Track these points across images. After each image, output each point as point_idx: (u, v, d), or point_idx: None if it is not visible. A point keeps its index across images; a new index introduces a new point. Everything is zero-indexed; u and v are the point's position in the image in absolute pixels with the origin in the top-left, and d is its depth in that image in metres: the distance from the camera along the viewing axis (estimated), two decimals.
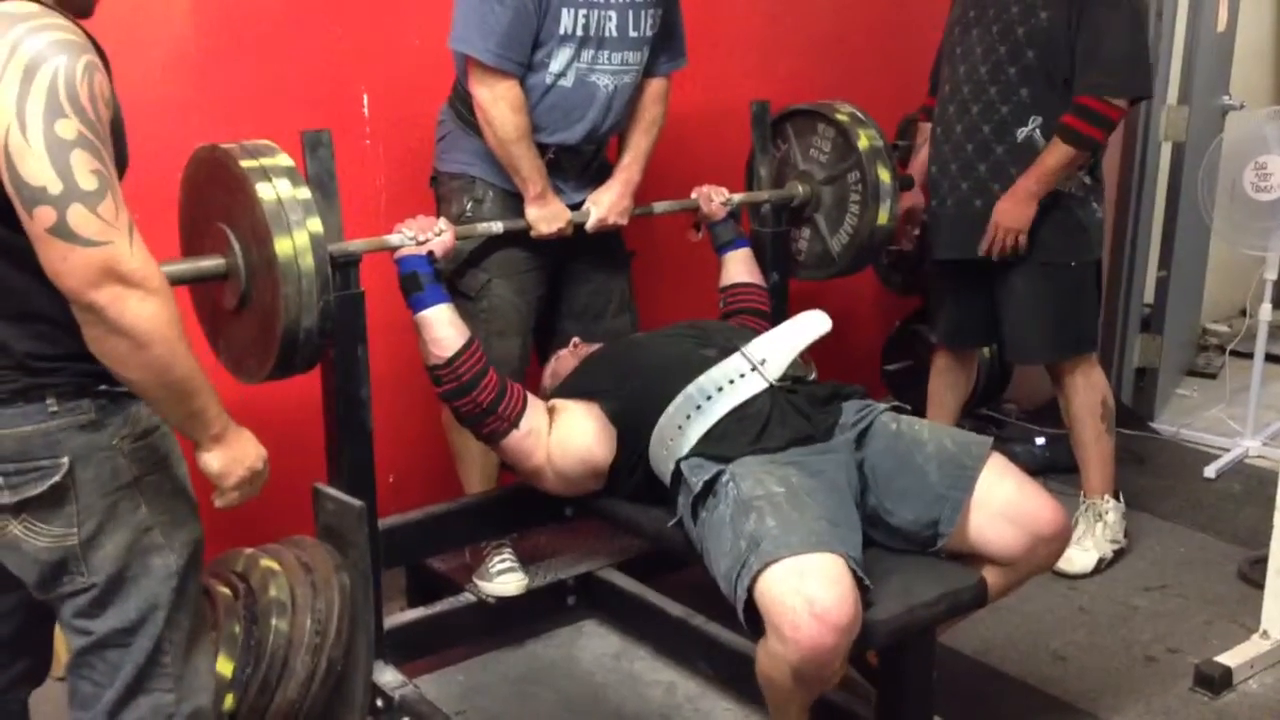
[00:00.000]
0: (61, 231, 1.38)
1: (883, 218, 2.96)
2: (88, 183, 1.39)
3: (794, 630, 1.80)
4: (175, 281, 1.99)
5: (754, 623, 1.92)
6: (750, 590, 1.89)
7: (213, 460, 1.61)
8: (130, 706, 1.65)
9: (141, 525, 1.61)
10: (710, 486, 2.09)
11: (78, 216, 1.38)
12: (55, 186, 1.37)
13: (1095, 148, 2.98)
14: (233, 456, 1.62)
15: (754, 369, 2.25)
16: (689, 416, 2.21)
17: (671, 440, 2.22)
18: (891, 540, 2.14)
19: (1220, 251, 4.52)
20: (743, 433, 2.17)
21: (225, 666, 2.04)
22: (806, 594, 1.81)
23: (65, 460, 1.53)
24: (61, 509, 1.55)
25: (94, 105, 1.41)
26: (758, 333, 2.40)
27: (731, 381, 2.24)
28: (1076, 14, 2.89)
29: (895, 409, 2.28)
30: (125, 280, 1.40)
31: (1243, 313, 5.15)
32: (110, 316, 1.41)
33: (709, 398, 2.22)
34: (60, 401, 1.53)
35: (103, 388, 1.55)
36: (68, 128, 1.38)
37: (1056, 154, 2.92)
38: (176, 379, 1.49)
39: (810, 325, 2.33)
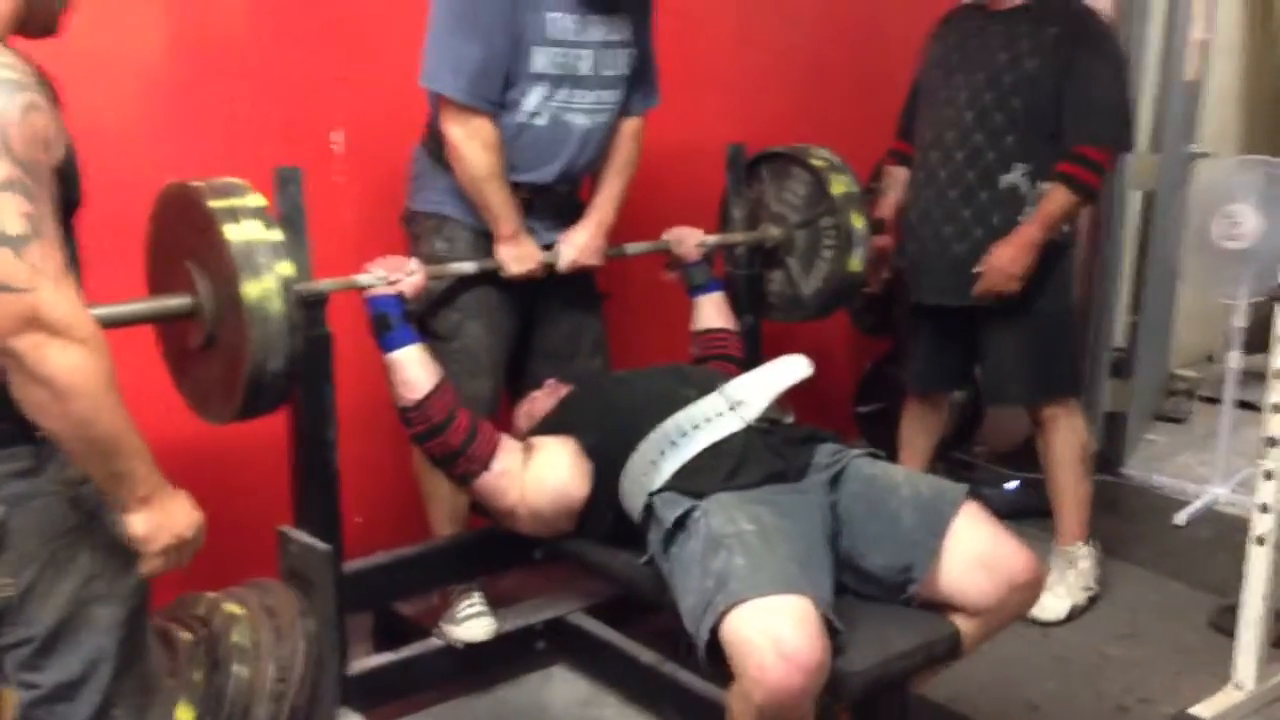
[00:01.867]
0: None
1: (855, 265, 2.97)
2: (14, 227, 1.33)
3: (760, 671, 1.78)
4: (140, 319, 1.98)
5: (713, 661, 1.90)
6: (714, 630, 1.87)
7: (137, 523, 1.51)
8: None
9: (82, 574, 1.55)
10: (682, 522, 2.08)
11: (1, 261, 1.33)
12: None
13: (1093, 195, 3.01)
14: (158, 522, 1.52)
15: (731, 409, 2.25)
16: (663, 452, 2.20)
17: (644, 475, 2.20)
18: (864, 585, 2.13)
19: (1189, 298, 4.55)
20: (716, 469, 2.16)
21: (186, 714, 1.99)
22: (774, 634, 1.79)
23: (0, 508, 1.48)
24: None
25: (29, 147, 1.36)
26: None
27: (708, 420, 2.23)
28: (1065, 63, 2.91)
29: (870, 454, 2.27)
30: (48, 328, 1.34)
31: (1210, 359, 5.19)
32: (30, 364, 1.35)
33: (684, 434, 2.21)
34: None
35: (40, 433, 1.48)
36: None
37: (1059, 201, 2.94)
38: (99, 435, 1.41)
39: (790, 369, 2.33)
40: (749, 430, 2.22)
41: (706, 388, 2.32)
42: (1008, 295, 2.99)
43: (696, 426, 2.23)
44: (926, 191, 3.13)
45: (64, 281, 1.38)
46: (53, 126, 1.42)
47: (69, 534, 1.54)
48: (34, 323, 1.34)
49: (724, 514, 2.02)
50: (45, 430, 1.43)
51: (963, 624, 2.07)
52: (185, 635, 2.07)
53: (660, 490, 2.16)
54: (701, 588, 1.93)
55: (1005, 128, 2.99)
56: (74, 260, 1.44)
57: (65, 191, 1.45)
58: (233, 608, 2.12)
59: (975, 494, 2.16)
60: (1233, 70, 5.49)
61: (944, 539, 2.06)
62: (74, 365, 1.36)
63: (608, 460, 2.29)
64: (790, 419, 2.35)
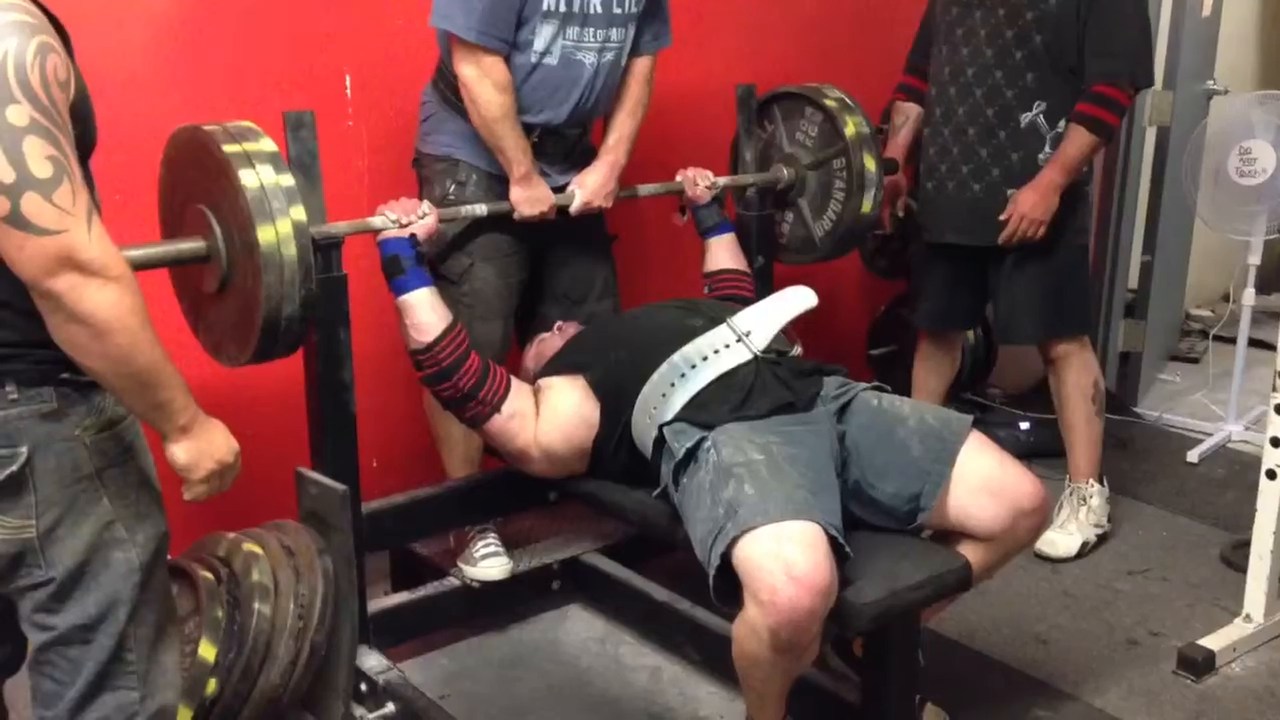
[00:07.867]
0: (16, 220, 1.35)
1: (867, 206, 2.96)
2: (42, 170, 1.36)
3: (771, 593, 1.81)
4: (155, 264, 1.99)
5: (723, 589, 1.93)
6: (725, 557, 1.90)
7: (180, 452, 1.57)
8: (94, 704, 1.60)
9: (103, 519, 1.56)
10: (692, 453, 2.10)
11: (32, 205, 1.35)
12: (7, 175, 1.34)
13: (1112, 134, 2.99)
14: (200, 449, 1.58)
15: (739, 340, 2.26)
16: (673, 384, 2.22)
17: (655, 408, 2.22)
18: (873, 515, 2.16)
19: (1204, 236, 4.53)
20: (726, 400, 2.18)
21: (208, 651, 2.03)
22: (784, 557, 1.82)
23: (24, 450, 1.49)
24: (19, 500, 1.51)
25: (47, 89, 1.37)
26: None
27: (716, 351, 2.25)
28: (1087, 1, 2.89)
29: (876, 388, 2.29)
30: (83, 268, 1.37)
31: (1226, 298, 5.17)
32: (68, 304, 1.38)
33: (693, 366, 2.23)
34: (21, 389, 1.49)
35: (65, 376, 1.51)
36: (19, 114, 1.35)
37: (1078, 142, 2.93)
38: (139, 369, 1.45)
39: (796, 299, 2.35)
40: (757, 361, 2.24)
41: (714, 318, 2.33)
42: (1032, 239, 2.98)
43: (705, 358, 2.25)
44: (944, 129, 3.11)
45: (93, 221, 1.40)
46: (66, 68, 1.43)
47: (90, 479, 1.55)
48: (69, 263, 1.37)
49: (734, 444, 2.05)
50: (87, 369, 1.46)
51: (972, 553, 2.10)
52: (207, 575, 2.10)
53: (671, 422, 2.18)
54: (712, 516, 1.95)
55: (1025, 65, 2.97)
56: (94, 202, 1.46)
57: (81, 132, 1.46)
58: (253, 548, 2.14)
59: (985, 432, 2.18)
60: (1249, 7, 5.43)
61: (952, 467, 2.09)
62: (111, 302, 1.40)
63: (617, 395, 2.30)
64: (797, 351, 2.36)
